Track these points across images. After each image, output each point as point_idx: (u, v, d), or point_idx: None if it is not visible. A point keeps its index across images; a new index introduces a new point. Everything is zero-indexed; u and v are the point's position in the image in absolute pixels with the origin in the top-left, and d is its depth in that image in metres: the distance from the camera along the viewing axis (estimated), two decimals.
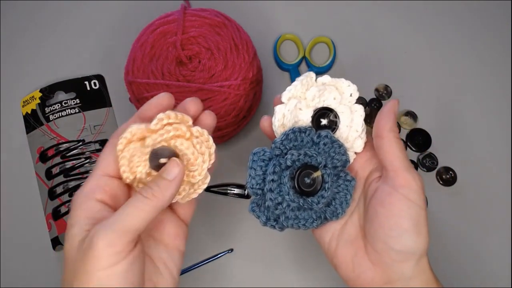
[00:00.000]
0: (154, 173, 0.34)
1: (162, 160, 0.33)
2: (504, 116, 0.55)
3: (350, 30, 0.58)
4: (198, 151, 0.34)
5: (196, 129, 0.34)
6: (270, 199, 0.35)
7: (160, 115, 0.33)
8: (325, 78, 0.38)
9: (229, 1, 0.56)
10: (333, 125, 0.37)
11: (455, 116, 0.55)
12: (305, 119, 0.37)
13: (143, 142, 0.33)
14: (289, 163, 0.35)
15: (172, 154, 0.33)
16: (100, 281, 0.28)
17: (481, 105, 0.55)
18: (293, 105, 0.37)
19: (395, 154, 0.34)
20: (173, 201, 0.34)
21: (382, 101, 0.55)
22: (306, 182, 0.35)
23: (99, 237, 0.28)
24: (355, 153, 0.38)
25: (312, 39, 0.56)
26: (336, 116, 0.37)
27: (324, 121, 0.37)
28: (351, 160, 0.38)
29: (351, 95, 0.38)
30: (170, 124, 0.33)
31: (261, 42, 0.55)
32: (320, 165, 0.36)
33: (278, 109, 0.37)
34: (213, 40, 0.46)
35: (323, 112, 0.37)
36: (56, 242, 0.50)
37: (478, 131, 0.54)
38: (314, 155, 0.35)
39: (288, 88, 0.38)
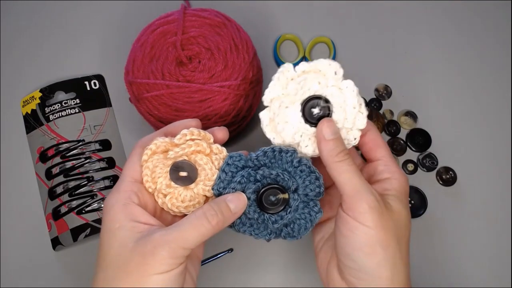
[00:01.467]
0: (173, 184, 0.36)
1: (182, 174, 0.36)
2: (504, 116, 0.55)
3: (350, 30, 0.58)
4: (216, 167, 0.36)
5: (216, 146, 0.37)
6: None
7: (184, 131, 0.36)
8: (302, 65, 0.36)
9: (229, 1, 0.56)
10: (326, 111, 0.35)
11: (455, 116, 0.55)
12: (295, 115, 0.36)
13: (166, 155, 0.36)
14: (258, 177, 0.36)
15: (191, 168, 0.36)
16: (154, 283, 0.31)
17: (481, 105, 0.55)
18: (277, 107, 0.36)
19: (343, 178, 0.34)
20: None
21: (382, 101, 0.55)
22: (270, 199, 0.36)
23: (163, 249, 0.31)
24: (360, 130, 0.36)
25: (312, 39, 0.56)
26: (326, 101, 0.35)
27: (316, 110, 0.35)
28: (358, 139, 0.36)
29: (335, 74, 0.35)
30: (192, 140, 0.36)
31: (261, 42, 0.55)
32: (290, 189, 0.36)
33: (262, 115, 0.37)
34: (213, 40, 0.46)
35: (312, 102, 0.35)
36: (56, 242, 0.50)
37: (478, 131, 0.54)
38: (286, 178, 0.36)
39: (266, 90, 0.36)
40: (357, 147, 0.42)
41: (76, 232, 0.49)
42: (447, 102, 0.55)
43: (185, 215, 0.37)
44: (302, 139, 0.36)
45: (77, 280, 0.49)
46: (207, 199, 0.37)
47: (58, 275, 0.50)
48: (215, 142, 0.37)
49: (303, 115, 0.35)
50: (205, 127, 0.45)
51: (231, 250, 0.49)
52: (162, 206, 0.37)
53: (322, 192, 0.37)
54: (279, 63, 0.55)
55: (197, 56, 0.47)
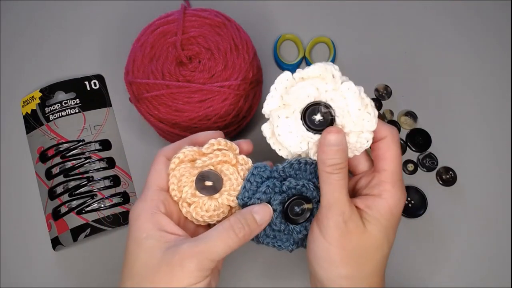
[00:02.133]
0: (198, 194, 0.36)
1: (208, 183, 0.36)
2: (504, 116, 0.55)
3: (350, 30, 0.58)
4: (242, 177, 0.37)
5: (242, 157, 0.37)
6: None
7: (212, 141, 0.37)
8: (299, 73, 0.35)
9: (229, 1, 0.56)
10: (329, 117, 0.34)
11: (455, 116, 0.55)
12: (296, 124, 0.35)
13: (193, 164, 0.36)
14: (284, 188, 0.36)
15: (217, 177, 0.36)
16: None
17: (481, 105, 0.55)
18: (277, 118, 0.35)
19: (325, 189, 0.34)
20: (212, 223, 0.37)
21: (382, 101, 0.55)
22: (295, 210, 0.36)
23: (191, 261, 0.31)
24: (372, 132, 0.35)
25: (312, 39, 0.56)
26: (327, 106, 0.34)
27: (317, 117, 0.34)
28: (370, 141, 0.35)
29: (333, 77, 0.34)
30: (219, 150, 0.36)
31: (261, 42, 0.55)
32: (314, 199, 0.36)
33: (264, 128, 0.36)
34: (213, 40, 0.46)
35: (312, 109, 0.34)
36: (56, 242, 0.50)
37: (478, 131, 0.54)
38: (312, 189, 0.36)
39: (265, 102, 0.36)
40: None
41: (76, 232, 0.49)
42: (447, 102, 0.55)
43: (208, 224, 0.38)
44: (310, 147, 0.35)
45: (77, 280, 0.49)
46: (231, 209, 0.38)
47: (58, 275, 0.50)
48: (240, 153, 0.38)
49: (305, 123, 0.34)
50: (205, 127, 0.45)
51: None
52: (186, 215, 0.37)
53: None
54: (279, 63, 0.55)
55: (197, 56, 0.47)
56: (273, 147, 0.36)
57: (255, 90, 0.49)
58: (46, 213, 0.51)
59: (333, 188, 0.33)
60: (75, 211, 0.50)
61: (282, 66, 0.55)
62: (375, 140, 0.36)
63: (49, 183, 0.51)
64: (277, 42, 0.56)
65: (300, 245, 0.38)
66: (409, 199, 0.51)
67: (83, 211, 0.50)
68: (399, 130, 0.54)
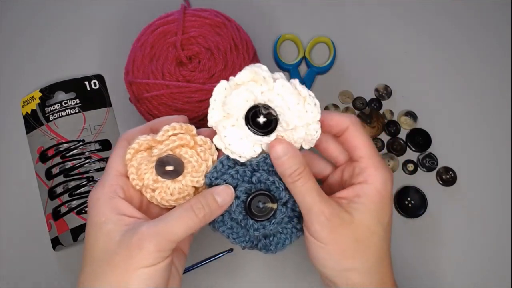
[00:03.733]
0: (160, 179, 0.36)
1: (168, 168, 0.35)
2: (504, 116, 0.55)
3: (350, 30, 0.58)
4: (202, 158, 0.36)
5: (200, 138, 0.36)
6: None
7: (166, 127, 0.35)
8: (232, 80, 0.34)
9: (229, 1, 0.56)
10: (271, 117, 0.34)
11: (455, 116, 0.55)
12: (243, 131, 0.34)
13: (150, 152, 0.36)
14: (254, 180, 0.35)
15: (177, 161, 0.36)
16: (140, 277, 0.31)
17: (481, 105, 0.55)
18: (223, 129, 0.35)
19: (298, 198, 0.34)
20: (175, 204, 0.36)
21: (382, 101, 0.55)
22: (258, 206, 0.35)
23: (149, 241, 0.31)
24: (318, 121, 0.35)
25: (312, 39, 0.56)
26: (267, 107, 0.34)
27: (261, 119, 0.34)
28: (319, 131, 0.35)
29: (264, 78, 0.33)
30: (175, 134, 0.35)
31: (261, 42, 0.55)
32: (280, 200, 0.35)
33: (215, 141, 0.36)
34: (213, 40, 0.46)
35: (253, 112, 0.34)
36: (56, 242, 0.50)
37: (478, 131, 0.54)
38: (281, 189, 0.35)
39: (209, 115, 0.35)
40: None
41: (76, 232, 0.49)
42: (447, 102, 0.55)
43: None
44: (265, 148, 0.35)
45: (77, 280, 0.49)
46: (196, 190, 0.37)
47: (58, 275, 0.50)
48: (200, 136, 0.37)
49: (251, 127, 0.34)
50: (205, 127, 0.45)
51: (231, 250, 0.49)
52: (151, 200, 0.36)
53: None
54: (279, 63, 0.55)
55: (197, 56, 0.47)
56: (231, 156, 0.35)
57: None
58: (46, 213, 0.51)
59: (302, 194, 0.34)
60: (75, 211, 0.50)
61: (282, 66, 0.55)
62: (339, 134, 0.36)
63: (49, 183, 0.51)
64: (277, 42, 0.56)
65: (255, 245, 0.37)
66: (409, 199, 0.51)
67: (83, 211, 0.50)
68: (399, 130, 0.54)
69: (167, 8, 0.50)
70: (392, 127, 0.54)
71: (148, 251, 0.31)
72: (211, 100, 0.35)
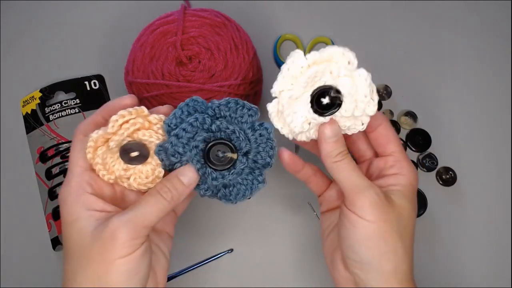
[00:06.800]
0: (131, 167, 0.36)
1: (133, 154, 0.35)
2: (504, 116, 0.55)
3: (350, 30, 0.58)
4: (162, 135, 0.36)
5: (153, 117, 0.35)
6: (171, 143, 0.34)
7: (113, 117, 0.34)
8: (313, 55, 0.34)
9: (229, 1, 0.56)
10: (336, 101, 0.34)
11: (455, 116, 0.55)
12: (304, 106, 0.34)
13: (108, 145, 0.35)
14: (214, 128, 0.34)
15: (139, 145, 0.35)
16: (119, 268, 0.31)
17: (481, 105, 0.55)
18: (286, 99, 0.34)
19: (342, 176, 0.35)
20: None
21: (382, 101, 0.55)
22: (218, 155, 0.35)
23: (121, 231, 0.31)
24: (369, 116, 0.35)
25: (312, 39, 0.56)
26: (337, 91, 0.34)
27: (325, 100, 0.34)
28: (366, 124, 0.35)
29: (349, 63, 0.34)
30: (127, 121, 0.35)
31: (261, 42, 0.55)
32: (241, 150, 0.35)
33: (270, 107, 0.35)
34: (213, 40, 0.46)
35: (322, 91, 0.34)
36: (56, 242, 0.50)
37: (478, 131, 0.55)
38: (242, 138, 0.34)
39: (276, 82, 0.35)
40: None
41: None
42: (447, 102, 0.55)
43: None
44: (311, 127, 0.35)
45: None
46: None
47: (58, 275, 0.49)
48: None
49: (313, 105, 0.34)
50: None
51: (231, 250, 0.49)
52: (130, 188, 0.36)
53: (272, 164, 0.36)
54: (279, 63, 0.55)
55: (197, 56, 0.47)
56: (276, 125, 0.35)
57: (255, 90, 0.49)
58: (46, 213, 0.51)
59: (349, 172, 0.35)
60: None
61: None
62: (372, 129, 0.38)
63: (49, 183, 0.51)
64: (277, 42, 0.56)
65: (214, 194, 0.36)
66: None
67: None
68: (399, 130, 0.54)
69: (167, 8, 0.50)
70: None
71: (121, 241, 0.31)
72: (284, 68, 0.34)
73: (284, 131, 0.36)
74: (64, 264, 0.34)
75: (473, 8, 0.59)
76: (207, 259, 0.48)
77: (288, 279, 0.49)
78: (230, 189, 0.36)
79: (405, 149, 0.54)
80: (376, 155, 0.40)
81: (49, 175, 0.51)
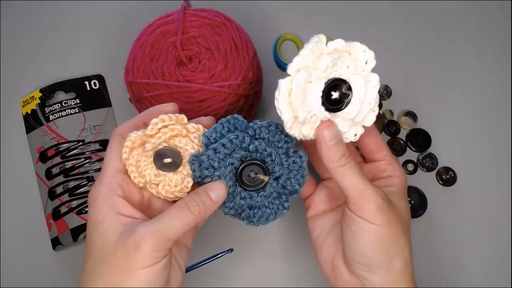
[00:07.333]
0: (162, 173, 0.36)
1: (166, 160, 0.35)
2: (504, 116, 0.55)
3: (350, 30, 0.58)
4: (197, 145, 0.36)
5: (191, 126, 0.36)
6: (208, 156, 0.34)
7: (154, 120, 0.35)
8: (338, 42, 0.32)
9: (229, 1, 0.56)
10: (344, 99, 0.32)
11: (455, 116, 0.55)
12: (316, 93, 0.32)
13: (144, 147, 0.35)
14: (251, 148, 0.34)
15: (174, 152, 0.35)
16: (139, 278, 0.31)
17: (481, 105, 0.55)
18: (303, 79, 0.32)
19: (347, 182, 0.34)
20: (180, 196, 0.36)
21: (382, 101, 0.55)
22: (249, 175, 0.35)
23: (146, 241, 0.31)
24: (364, 126, 0.35)
25: None
26: (349, 88, 0.32)
27: (335, 94, 0.32)
28: (359, 135, 0.35)
29: (366, 63, 0.32)
30: (165, 126, 0.35)
31: (261, 42, 0.55)
32: (273, 174, 0.35)
33: (283, 84, 0.32)
34: (213, 40, 0.46)
35: (335, 84, 0.32)
36: (56, 242, 0.50)
37: (478, 131, 0.54)
38: (276, 162, 0.34)
39: (296, 58, 0.32)
40: (356, 147, 0.42)
41: (76, 232, 0.49)
42: (447, 102, 0.55)
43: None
44: (313, 120, 0.33)
45: (77, 280, 0.49)
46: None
47: (58, 275, 0.50)
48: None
49: (322, 94, 0.32)
50: (205, 127, 0.45)
51: (231, 250, 0.49)
52: (158, 195, 0.36)
53: (299, 193, 0.36)
54: (279, 63, 0.55)
55: (197, 56, 0.47)
56: (281, 106, 0.33)
57: (255, 90, 0.49)
58: (46, 213, 0.51)
59: (354, 178, 0.34)
60: (75, 211, 0.50)
61: (282, 66, 0.55)
62: (363, 136, 0.36)
63: (49, 183, 0.51)
64: (277, 42, 0.56)
65: (238, 214, 0.36)
66: (409, 199, 0.51)
67: (83, 211, 0.50)
68: (399, 130, 0.54)
69: (167, 8, 0.50)
70: (392, 127, 0.54)
71: (145, 252, 0.31)
72: (308, 46, 0.32)
73: (285, 116, 0.33)
74: (84, 262, 0.34)
75: (473, 8, 0.59)
76: (207, 259, 0.48)
77: (288, 279, 0.49)
78: (255, 211, 0.36)
79: (405, 149, 0.54)
80: (364, 160, 0.41)
81: (49, 175, 0.51)
